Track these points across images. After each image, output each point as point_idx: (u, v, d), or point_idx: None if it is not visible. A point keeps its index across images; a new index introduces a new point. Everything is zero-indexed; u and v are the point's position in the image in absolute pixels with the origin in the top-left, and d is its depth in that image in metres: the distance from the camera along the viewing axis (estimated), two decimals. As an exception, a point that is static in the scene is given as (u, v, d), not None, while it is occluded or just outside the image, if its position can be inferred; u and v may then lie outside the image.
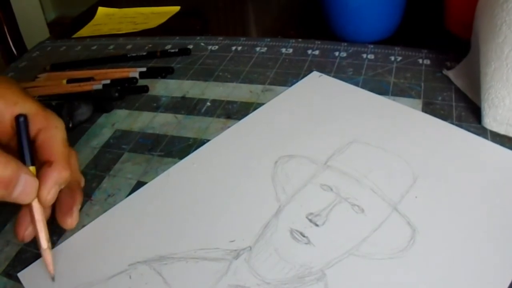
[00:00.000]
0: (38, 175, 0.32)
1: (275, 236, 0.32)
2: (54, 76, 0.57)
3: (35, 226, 0.33)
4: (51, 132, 0.34)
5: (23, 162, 0.32)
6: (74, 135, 0.45)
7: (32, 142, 0.34)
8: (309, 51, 0.53)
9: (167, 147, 0.42)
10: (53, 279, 0.32)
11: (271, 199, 0.35)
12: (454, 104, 0.43)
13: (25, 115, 0.33)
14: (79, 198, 0.36)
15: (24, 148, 0.33)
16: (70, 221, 0.35)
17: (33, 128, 0.34)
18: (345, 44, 0.53)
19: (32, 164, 0.33)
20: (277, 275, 0.30)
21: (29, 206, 0.32)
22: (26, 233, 0.33)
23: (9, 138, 0.34)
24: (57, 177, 0.32)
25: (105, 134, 0.45)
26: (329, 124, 0.42)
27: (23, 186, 0.31)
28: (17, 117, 0.33)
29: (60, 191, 0.34)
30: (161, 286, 0.30)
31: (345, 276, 0.29)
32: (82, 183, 0.38)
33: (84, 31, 0.69)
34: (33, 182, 0.31)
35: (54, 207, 0.35)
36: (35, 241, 0.35)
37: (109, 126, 0.46)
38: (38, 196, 0.32)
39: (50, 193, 0.32)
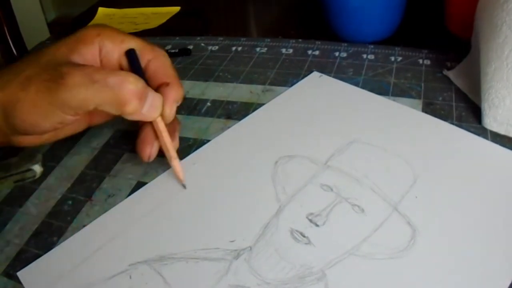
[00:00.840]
0: None
1: (275, 236, 0.32)
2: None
3: (162, 140, 0.36)
4: (161, 59, 0.38)
5: None
6: (75, 135, 0.45)
7: (144, 73, 0.37)
8: (309, 51, 0.53)
9: (167, 147, 0.42)
10: (184, 186, 0.37)
11: (271, 199, 0.35)
12: (454, 104, 0.43)
13: (134, 49, 0.37)
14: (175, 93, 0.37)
15: (140, 75, 0.36)
16: (149, 151, 0.37)
17: (143, 59, 0.37)
18: (345, 44, 0.53)
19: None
20: (277, 275, 0.30)
21: (152, 124, 0.36)
22: (152, 151, 0.36)
23: None
24: (175, 94, 0.36)
25: (106, 134, 0.45)
26: (329, 124, 0.42)
27: (152, 101, 0.34)
28: (128, 52, 0.37)
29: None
30: (161, 286, 0.30)
31: (345, 276, 0.29)
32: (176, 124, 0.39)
33: (84, 31, 0.69)
34: (159, 97, 0.35)
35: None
36: (34, 240, 0.35)
37: (109, 126, 0.46)
38: (161, 113, 0.35)
39: (172, 109, 0.36)
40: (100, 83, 0.32)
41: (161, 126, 0.36)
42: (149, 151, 0.36)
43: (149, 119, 0.35)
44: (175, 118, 0.38)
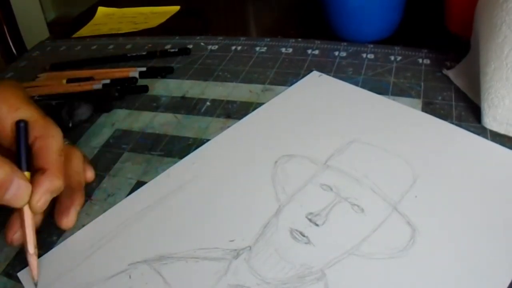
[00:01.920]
0: (31, 182, 0.32)
1: (275, 235, 0.32)
2: (54, 76, 0.57)
3: (24, 231, 0.33)
4: (47, 140, 0.34)
5: (19, 167, 0.32)
6: (74, 135, 0.45)
7: (29, 149, 0.34)
8: (309, 51, 0.53)
9: (167, 147, 0.42)
10: (35, 285, 0.32)
11: (271, 199, 0.35)
12: (454, 103, 0.43)
13: (26, 121, 0.34)
14: (78, 199, 0.36)
15: (21, 153, 0.33)
16: (65, 221, 0.35)
17: (31, 135, 0.34)
18: (345, 43, 0.53)
19: (28, 170, 0.33)
20: (277, 275, 0.30)
21: (20, 210, 0.33)
22: (14, 237, 0.34)
23: (11, 142, 0.34)
24: (48, 185, 0.33)
25: (105, 134, 0.45)
26: (329, 123, 0.42)
27: (16, 190, 0.31)
28: (18, 123, 0.34)
29: (62, 192, 0.34)
30: (161, 285, 0.30)
31: (345, 276, 0.29)
32: (84, 182, 0.38)
33: (84, 31, 0.69)
34: (26, 187, 0.31)
35: (54, 207, 0.35)
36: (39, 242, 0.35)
37: (109, 126, 0.46)
38: (29, 202, 0.32)
39: (40, 200, 0.32)
40: None
41: (27, 216, 0.32)
42: (11, 237, 0.34)
43: (14, 206, 0.32)
44: (84, 175, 0.36)
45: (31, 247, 0.32)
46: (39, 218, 0.35)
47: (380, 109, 0.43)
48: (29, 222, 0.33)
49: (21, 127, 0.34)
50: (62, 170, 0.34)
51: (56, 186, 0.33)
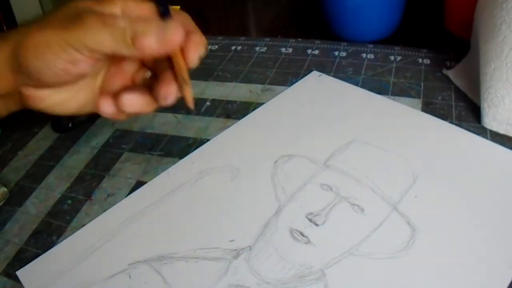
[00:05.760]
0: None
1: (275, 235, 0.32)
2: (53, 76, 0.57)
3: (179, 73, 0.34)
4: (183, 15, 0.36)
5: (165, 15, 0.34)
6: (74, 134, 0.45)
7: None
8: (309, 51, 0.53)
9: (166, 147, 0.42)
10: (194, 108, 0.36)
11: (270, 199, 0.35)
12: (453, 103, 0.43)
13: None
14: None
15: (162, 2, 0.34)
16: (165, 90, 0.35)
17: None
18: (345, 43, 0.53)
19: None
20: (277, 275, 0.30)
21: (171, 63, 0.34)
22: (170, 89, 0.34)
23: None
24: (199, 39, 0.34)
25: (105, 133, 0.45)
26: (329, 123, 0.42)
27: (173, 22, 0.32)
28: None
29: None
30: (160, 285, 0.30)
31: (344, 276, 0.29)
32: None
33: (84, 31, 0.69)
34: (175, 24, 0.32)
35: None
36: (34, 239, 0.35)
37: (108, 126, 0.46)
38: (184, 55, 0.33)
39: (196, 51, 0.34)
40: (118, 22, 0.31)
41: (180, 60, 0.34)
42: (166, 90, 0.35)
43: (173, 44, 0.33)
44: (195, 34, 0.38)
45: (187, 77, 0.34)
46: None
47: (380, 109, 0.43)
48: (183, 66, 0.34)
49: None
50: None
51: (204, 41, 0.35)
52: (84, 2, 0.36)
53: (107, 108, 0.36)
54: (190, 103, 0.35)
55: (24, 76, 0.34)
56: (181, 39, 0.33)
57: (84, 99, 0.39)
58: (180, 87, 0.35)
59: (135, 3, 0.36)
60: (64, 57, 0.32)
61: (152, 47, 0.32)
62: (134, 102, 0.36)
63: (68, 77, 0.34)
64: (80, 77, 0.36)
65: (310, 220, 0.33)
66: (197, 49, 0.35)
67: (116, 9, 0.36)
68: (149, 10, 0.36)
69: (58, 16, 0.34)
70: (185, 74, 0.35)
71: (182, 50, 0.35)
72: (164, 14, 0.34)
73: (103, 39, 0.32)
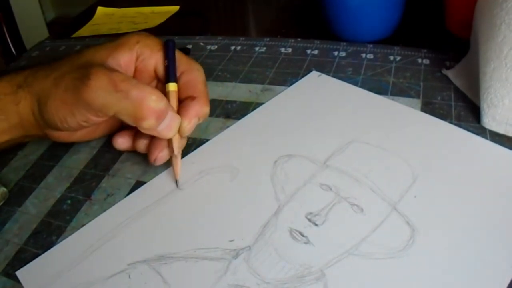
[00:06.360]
0: (180, 108, 0.36)
1: (275, 235, 0.32)
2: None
3: (171, 149, 0.36)
4: (194, 73, 0.38)
5: (169, 79, 0.36)
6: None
7: (174, 65, 0.38)
8: (308, 51, 0.53)
9: (166, 147, 0.42)
10: (176, 182, 0.37)
11: (270, 199, 0.35)
12: (453, 103, 0.43)
13: (173, 40, 0.38)
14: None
15: (170, 66, 0.37)
16: (156, 155, 0.37)
17: (178, 70, 0.38)
18: (344, 43, 0.53)
19: (175, 81, 0.37)
20: (276, 275, 0.30)
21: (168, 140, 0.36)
22: (160, 155, 0.37)
23: (151, 80, 0.39)
24: (199, 110, 0.36)
25: (105, 133, 0.45)
26: (328, 123, 0.42)
27: (169, 121, 0.34)
28: (166, 42, 0.38)
29: None
30: (160, 285, 0.30)
31: (344, 276, 0.29)
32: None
33: (84, 31, 0.69)
34: (177, 118, 0.35)
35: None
36: (34, 239, 0.35)
37: (108, 125, 0.46)
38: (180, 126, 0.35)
39: (190, 123, 0.36)
40: (122, 93, 0.32)
41: (175, 143, 0.36)
42: (156, 155, 0.37)
43: (163, 137, 0.35)
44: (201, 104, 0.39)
45: (178, 168, 0.37)
46: (183, 142, 0.38)
47: (379, 109, 0.43)
48: (177, 145, 0.36)
49: (170, 44, 0.38)
50: (209, 99, 0.37)
51: (204, 112, 0.37)
52: (99, 51, 0.36)
53: (120, 143, 0.39)
54: (177, 175, 0.37)
55: (45, 123, 0.36)
56: (175, 133, 0.35)
57: (109, 126, 0.41)
58: (171, 156, 0.37)
59: (150, 50, 0.38)
60: (77, 117, 0.34)
61: (151, 133, 0.35)
62: (143, 146, 0.38)
63: (87, 125, 0.36)
64: (98, 123, 0.37)
65: (309, 220, 0.33)
66: (193, 121, 0.36)
67: (132, 56, 0.37)
68: (160, 59, 0.38)
69: (72, 67, 0.35)
70: (175, 148, 0.36)
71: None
72: (168, 79, 0.37)
73: (109, 104, 0.33)
